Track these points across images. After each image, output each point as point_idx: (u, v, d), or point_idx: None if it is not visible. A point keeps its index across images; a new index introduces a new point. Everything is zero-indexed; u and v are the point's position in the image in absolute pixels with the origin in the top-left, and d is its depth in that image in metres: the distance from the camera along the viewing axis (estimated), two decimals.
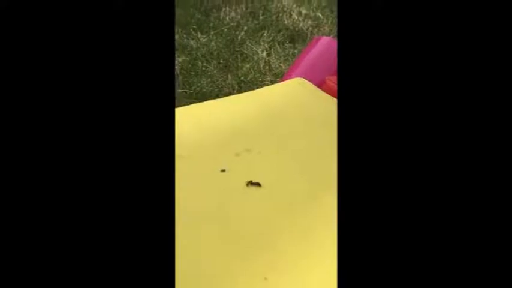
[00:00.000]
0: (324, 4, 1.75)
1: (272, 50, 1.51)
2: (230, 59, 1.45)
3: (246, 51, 1.49)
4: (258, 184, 0.57)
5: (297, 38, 1.60)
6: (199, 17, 1.62)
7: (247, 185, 0.57)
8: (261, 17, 1.66)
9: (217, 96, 1.28)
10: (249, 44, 1.52)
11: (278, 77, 1.39)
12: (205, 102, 0.77)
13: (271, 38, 1.55)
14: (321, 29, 1.67)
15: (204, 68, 1.40)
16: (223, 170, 0.59)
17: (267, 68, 1.45)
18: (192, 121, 0.68)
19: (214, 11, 1.65)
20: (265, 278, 0.43)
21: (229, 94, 1.31)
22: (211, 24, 1.59)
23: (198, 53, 1.45)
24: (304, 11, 1.72)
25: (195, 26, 1.56)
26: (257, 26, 1.61)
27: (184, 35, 1.52)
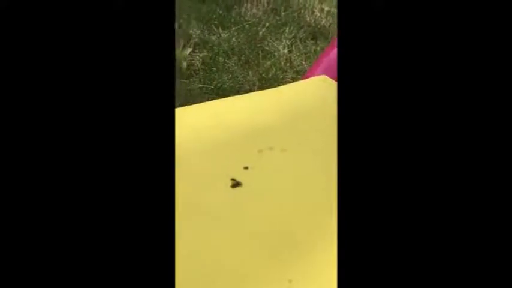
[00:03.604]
0: None
1: (293, 46, 1.50)
2: (251, 56, 1.44)
3: (267, 48, 1.48)
4: (239, 183, 0.56)
5: (319, 35, 1.58)
6: (220, 12, 1.61)
7: (232, 186, 0.55)
8: (282, 14, 1.64)
9: (237, 93, 1.27)
10: (270, 41, 1.51)
11: (299, 74, 1.38)
12: (226, 98, 0.76)
13: (292, 35, 1.54)
14: None
15: (225, 64, 1.40)
16: (246, 168, 0.59)
17: (288, 65, 1.44)
18: (213, 117, 0.67)
19: (235, 6, 1.64)
20: (290, 281, 0.42)
21: (250, 91, 1.30)
22: (232, 20, 1.58)
23: (219, 49, 1.44)
24: (326, 8, 1.70)
25: (216, 22, 1.56)
26: (279, 22, 1.60)
27: (206, 31, 1.51)
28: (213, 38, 1.49)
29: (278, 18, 1.62)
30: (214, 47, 1.45)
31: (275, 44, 1.49)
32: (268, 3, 1.68)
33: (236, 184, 0.55)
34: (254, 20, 1.59)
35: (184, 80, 1.35)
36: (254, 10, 1.65)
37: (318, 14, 1.67)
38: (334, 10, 1.70)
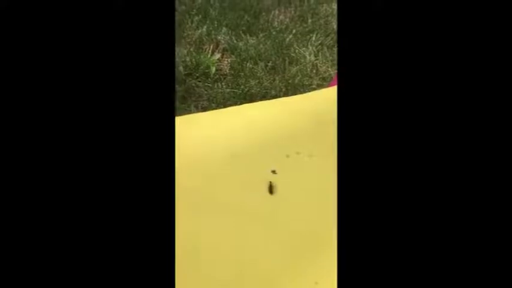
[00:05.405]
0: None
1: (320, 53, 1.51)
2: (278, 62, 1.46)
3: (293, 55, 1.49)
4: (274, 187, 0.57)
5: None
6: (248, 19, 1.63)
7: (269, 191, 0.57)
8: (309, 21, 1.65)
9: (264, 98, 1.29)
10: (297, 47, 1.52)
11: (325, 81, 1.39)
12: (255, 103, 0.78)
13: (319, 42, 1.55)
14: None
15: (252, 70, 1.42)
16: (273, 171, 0.60)
17: (314, 71, 1.45)
18: (243, 120, 0.69)
19: (263, 13, 1.67)
20: (316, 283, 0.43)
21: (276, 96, 1.31)
22: (260, 27, 1.60)
23: (247, 55, 1.47)
24: None
25: (244, 28, 1.58)
26: (306, 29, 1.61)
27: (234, 37, 1.54)
28: (241, 44, 1.52)
29: (305, 25, 1.64)
30: (242, 53, 1.47)
31: (302, 51, 1.50)
32: (295, 10, 1.69)
33: (272, 187, 0.57)
34: (281, 26, 1.61)
35: (210, 84, 1.38)
36: (282, 17, 1.67)
37: None
38: None
